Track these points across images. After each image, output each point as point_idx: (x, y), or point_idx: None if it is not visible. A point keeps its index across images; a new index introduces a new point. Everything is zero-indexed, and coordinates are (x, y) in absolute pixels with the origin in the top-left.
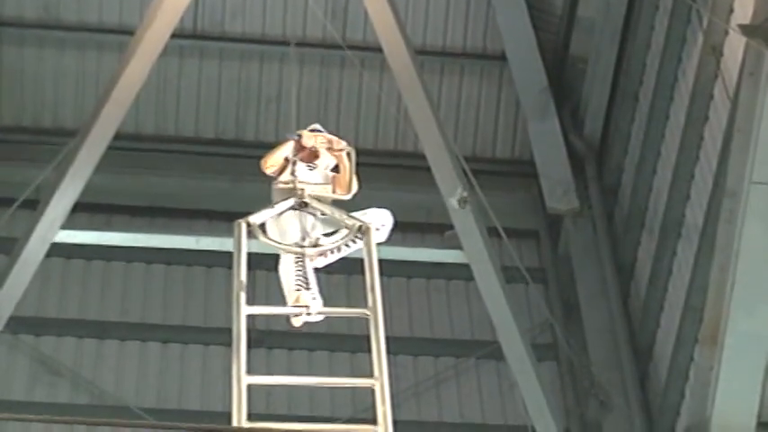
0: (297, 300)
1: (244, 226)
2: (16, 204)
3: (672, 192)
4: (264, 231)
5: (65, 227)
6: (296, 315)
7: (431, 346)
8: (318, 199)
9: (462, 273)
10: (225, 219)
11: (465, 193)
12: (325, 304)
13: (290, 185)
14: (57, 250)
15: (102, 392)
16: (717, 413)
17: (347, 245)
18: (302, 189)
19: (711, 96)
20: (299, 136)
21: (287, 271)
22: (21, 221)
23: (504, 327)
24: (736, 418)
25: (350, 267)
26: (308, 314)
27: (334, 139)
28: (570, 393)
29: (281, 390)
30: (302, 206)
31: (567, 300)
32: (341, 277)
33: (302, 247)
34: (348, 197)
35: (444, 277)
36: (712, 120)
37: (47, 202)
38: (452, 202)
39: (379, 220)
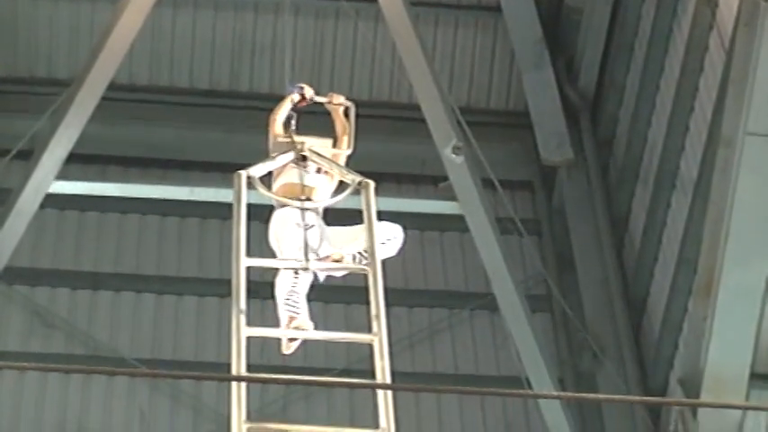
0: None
1: (244, 177)
2: (10, 155)
3: (666, 143)
4: (264, 184)
5: (59, 177)
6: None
7: (425, 297)
8: (318, 153)
9: (456, 224)
10: (219, 169)
11: (459, 143)
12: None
13: (290, 139)
14: (51, 201)
15: (97, 343)
16: (710, 364)
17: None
18: (302, 143)
19: (706, 47)
20: (302, 88)
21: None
22: (15, 172)
23: (498, 278)
24: (730, 370)
25: (343, 218)
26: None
27: (334, 93)
28: (564, 345)
29: (275, 341)
30: (301, 160)
31: (562, 251)
32: None
33: (301, 200)
34: (348, 152)
35: (438, 229)
36: (707, 71)
37: (41, 153)
38: (447, 153)
39: (388, 234)
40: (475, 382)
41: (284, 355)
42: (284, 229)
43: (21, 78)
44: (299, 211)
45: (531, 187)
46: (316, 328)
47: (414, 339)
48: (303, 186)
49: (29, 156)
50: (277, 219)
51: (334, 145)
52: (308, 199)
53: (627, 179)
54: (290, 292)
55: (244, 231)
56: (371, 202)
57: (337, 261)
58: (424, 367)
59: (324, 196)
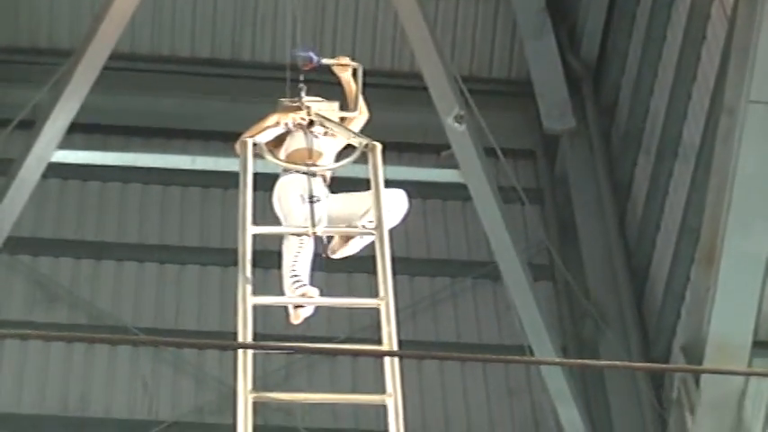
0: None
1: (250, 144)
2: (12, 125)
3: (669, 111)
4: (270, 150)
5: (61, 147)
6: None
7: (427, 266)
8: (325, 117)
9: (459, 193)
10: (221, 139)
11: (461, 112)
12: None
13: (297, 103)
14: (53, 171)
15: (100, 313)
16: (713, 332)
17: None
18: (308, 107)
19: (709, 15)
20: (313, 50)
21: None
22: (17, 142)
23: (500, 247)
24: (732, 338)
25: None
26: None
27: (340, 56)
28: (566, 313)
29: (278, 311)
30: (309, 124)
31: (564, 220)
32: None
33: (308, 165)
34: (355, 114)
35: (441, 197)
36: (709, 39)
37: (43, 123)
38: (449, 122)
39: (392, 202)
40: (477, 350)
41: (287, 325)
42: (289, 197)
43: (22, 48)
44: (304, 178)
45: (533, 156)
46: (320, 296)
47: (416, 308)
48: (311, 151)
49: (31, 126)
50: (282, 185)
51: (342, 108)
52: (315, 164)
53: (629, 147)
54: (294, 261)
55: (250, 200)
56: (378, 165)
57: (345, 240)
58: (426, 336)
59: (330, 161)
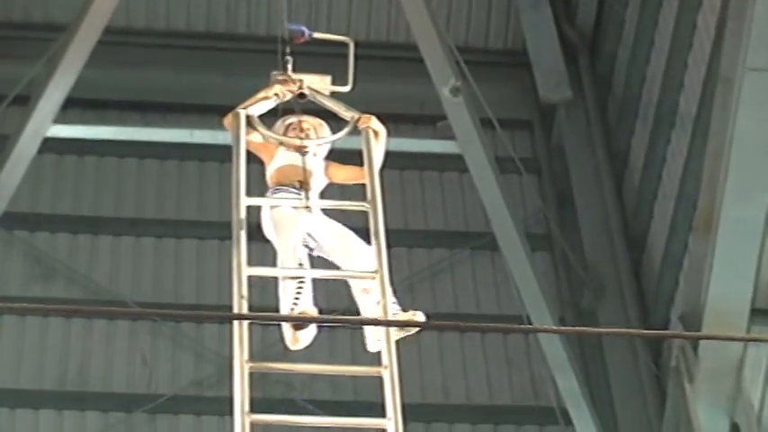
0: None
1: (243, 116)
2: (7, 101)
3: (665, 80)
4: (263, 124)
5: (57, 122)
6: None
7: (425, 237)
8: (317, 91)
9: (456, 164)
10: (217, 112)
11: (458, 83)
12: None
13: (287, 76)
14: (49, 146)
15: (98, 287)
16: (711, 300)
17: None
18: (300, 80)
19: None
20: (305, 26)
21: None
22: (12, 118)
23: (498, 217)
24: (730, 305)
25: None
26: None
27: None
28: (564, 283)
29: (274, 284)
30: (300, 98)
31: (561, 190)
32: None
33: (300, 138)
34: (347, 89)
35: (438, 169)
36: (705, 6)
37: (38, 98)
38: (445, 93)
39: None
40: (476, 321)
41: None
42: (281, 216)
43: (17, 23)
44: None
45: (529, 126)
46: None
47: (414, 280)
48: (300, 122)
49: (26, 101)
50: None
51: (334, 82)
52: (307, 137)
53: (626, 116)
54: (294, 299)
55: (243, 171)
56: (370, 138)
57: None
58: (424, 307)
59: (323, 135)
